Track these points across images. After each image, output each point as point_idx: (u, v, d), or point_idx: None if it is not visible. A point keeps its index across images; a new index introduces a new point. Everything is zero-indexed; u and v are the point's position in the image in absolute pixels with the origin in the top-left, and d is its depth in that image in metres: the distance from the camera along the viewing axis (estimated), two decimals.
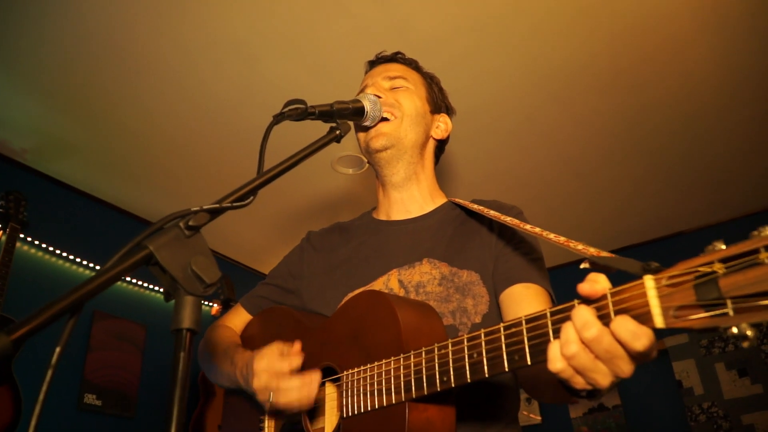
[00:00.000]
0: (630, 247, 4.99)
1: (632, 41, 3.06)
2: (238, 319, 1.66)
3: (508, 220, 1.35)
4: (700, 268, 0.71)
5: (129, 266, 0.77)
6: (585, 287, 0.84)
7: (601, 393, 0.91)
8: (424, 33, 2.96)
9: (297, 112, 1.20)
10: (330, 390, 1.35)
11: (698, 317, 0.70)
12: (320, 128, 1.26)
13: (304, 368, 1.37)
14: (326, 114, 1.26)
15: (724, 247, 0.70)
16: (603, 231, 4.83)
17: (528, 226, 1.28)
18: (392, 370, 1.15)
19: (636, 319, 0.78)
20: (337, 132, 1.24)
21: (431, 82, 1.69)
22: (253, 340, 1.62)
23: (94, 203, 4.15)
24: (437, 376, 1.06)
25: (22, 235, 3.51)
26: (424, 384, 1.08)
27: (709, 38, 3.06)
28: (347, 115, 1.33)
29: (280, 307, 1.61)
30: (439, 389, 1.06)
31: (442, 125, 1.66)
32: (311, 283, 1.61)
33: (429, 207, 1.60)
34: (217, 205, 0.89)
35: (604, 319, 0.82)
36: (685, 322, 0.71)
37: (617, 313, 0.81)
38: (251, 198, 0.98)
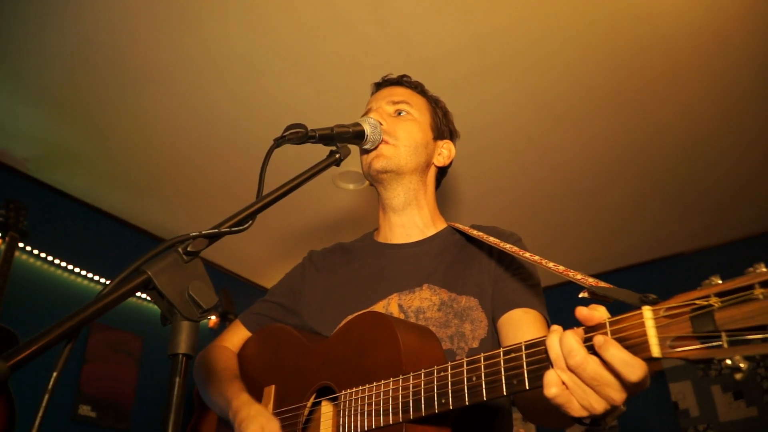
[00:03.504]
0: (629, 267, 5.00)
1: (634, 64, 3.09)
2: (237, 336, 1.66)
3: (507, 247, 1.36)
4: (697, 301, 0.73)
5: (127, 291, 0.78)
6: (583, 311, 0.85)
7: (602, 420, 0.91)
8: (427, 52, 2.99)
9: (297, 135, 1.21)
10: (326, 409, 1.35)
11: (694, 348, 0.73)
12: (320, 147, 1.28)
13: (302, 386, 1.38)
14: (326, 137, 1.27)
15: (720, 281, 0.73)
16: (602, 250, 4.83)
17: (527, 254, 1.28)
18: (391, 391, 1.16)
19: (633, 348, 0.79)
20: (337, 156, 1.26)
21: (436, 107, 1.68)
22: (251, 359, 1.62)
23: (94, 213, 4.16)
24: (436, 398, 1.07)
25: (21, 245, 3.51)
26: (423, 406, 1.09)
27: (709, 63, 3.09)
28: (347, 139, 1.34)
29: (278, 326, 1.61)
30: (437, 411, 1.06)
31: (444, 152, 1.66)
32: (311, 303, 1.61)
33: (430, 231, 1.61)
34: (216, 230, 0.90)
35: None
36: (681, 353, 0.74)
37: None
38: (250, 222, 1.00)
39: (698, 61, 3.08)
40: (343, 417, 1.24)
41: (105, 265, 4.02)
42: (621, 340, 0.81)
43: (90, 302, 0.74)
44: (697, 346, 0.72)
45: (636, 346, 0.79)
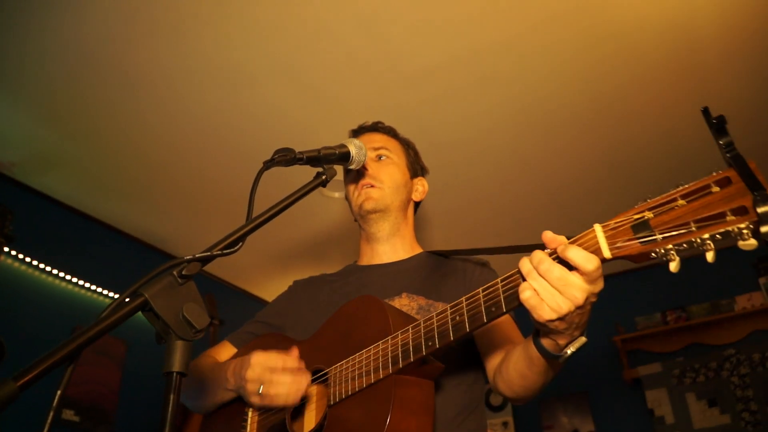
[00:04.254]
0: (609, 276, 5.08)
1: (618, 81, 3.20)
2: (225, 352, 1.72)
3: (478, 248, 1.52)
4: (635, 216, 0.95)
5: (126, 314, 0.83)
6: (548, 234, 1.03)
7: (565, 347, 1.08)
8: (414, 66, 3.06)
9: (286, 158, 1.27)
10: (311, 389, 1.41)
11: (635, 245, 0.93)
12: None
13: None
14: (314, 159, 1.34)
15: (649, 199, 0.95)
16: None
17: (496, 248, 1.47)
18: (380, 351, 1.23)
19: None
20: (323, 177, 1.32)
21: (408, 148, 1.86)
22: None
23: (81, 218, 4.16)
24: (423, 343, 1.16)
25: (6, 249, 3.52)
26: (411, 353, 1.17)
27: (691, 81, 3.22)
28: (333, 160, 1.40)
29: (266, 334, 1.69)
30: (424, 353, 1.15)
31: (419, 188, 1.85)
32: (296, 318, 1.71)
33: (408, 255, 1.76)
34: (208, 254, 0.96)
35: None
36: (626, 251, 0.95)
37: None
38: (240, 244, 1.05)
39: (680, 79, 3.21)
40: (334, 387, 1.31)
41: (91, 271, 4.03)
42: None
43: (92, 324, 0.79)
44: (638, 244, 0.93)
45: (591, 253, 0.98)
